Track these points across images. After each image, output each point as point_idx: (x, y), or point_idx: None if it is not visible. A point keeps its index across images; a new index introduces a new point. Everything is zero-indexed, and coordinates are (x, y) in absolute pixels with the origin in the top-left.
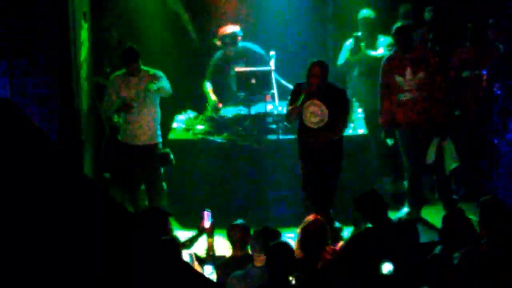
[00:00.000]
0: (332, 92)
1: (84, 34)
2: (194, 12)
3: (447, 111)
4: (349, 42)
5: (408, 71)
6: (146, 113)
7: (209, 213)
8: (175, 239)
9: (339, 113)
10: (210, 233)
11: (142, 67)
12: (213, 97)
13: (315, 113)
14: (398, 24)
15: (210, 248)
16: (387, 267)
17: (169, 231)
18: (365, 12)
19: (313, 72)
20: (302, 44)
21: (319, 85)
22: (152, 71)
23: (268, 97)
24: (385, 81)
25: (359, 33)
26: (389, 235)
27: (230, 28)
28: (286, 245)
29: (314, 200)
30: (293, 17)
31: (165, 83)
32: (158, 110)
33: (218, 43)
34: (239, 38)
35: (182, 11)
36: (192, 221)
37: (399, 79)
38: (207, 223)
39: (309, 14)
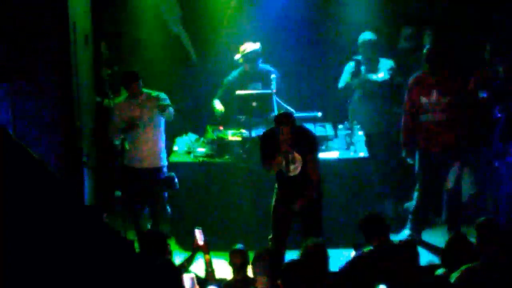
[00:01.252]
0: (300, 137)
1: (85, 57)
2: (194, 35)
3: (468, 135)
4: (350, 65)
5: (434, 93)
6: (150, 135)
7: (200, 230)
8: (172, 263)
9: (309, 160)
10: (206, 250)
11: (144, 89)
12: (219, 107)
13: (292, 161)
14: (428, 46)
15: (209, 265)
16: None
17: (168, 254)
18: (366, 35)
19: (284, 129)
20: (302, 65)
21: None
22: (154, 92)
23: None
24: (409, 100)
25: (359, 57)
26: (389, 257)
27: (253, 45)
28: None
29: (281, 241)
30: (294, 37)
31: (166, 101)
32: (163, 133)
33: (240, 59)
34: (259, 56)
35: (182, 33)
36: None
37: (424, 100)
38: (200, 241)
39: (310, 33)
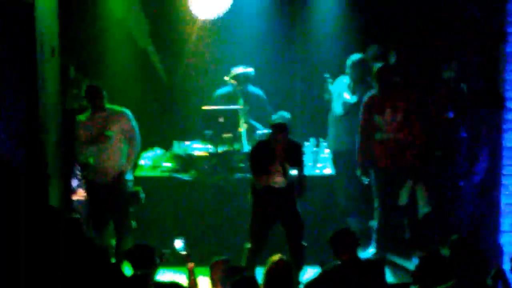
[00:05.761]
0: (292, 149)
1: (52, 69)
2: (163, 51)
3: (422, 154)
4: (336, 86)
5: (387, 112)
6: (114, 150)
7: (181, 240)
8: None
9: (302, 170)
10: (188, 258)
11: (108, 105)
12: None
13: (285, 174)
14: (378, 65)
15: (192, 273)
16: None
17: (155, 267)
18: (355, 56)
19: (280, 138)
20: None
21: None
22: (118, 109)
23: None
24: (365, 119)
25: (328, 75)
26: (356, 273)
27: (244, 69)
28: (252, 280)
29: (258, 249)
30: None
31: (130, 122)
32: (125, 147)
33: (232, 81)
34: (250, 80)
35: (151, 49)
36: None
37: (378, 118)
38: (182, 251)
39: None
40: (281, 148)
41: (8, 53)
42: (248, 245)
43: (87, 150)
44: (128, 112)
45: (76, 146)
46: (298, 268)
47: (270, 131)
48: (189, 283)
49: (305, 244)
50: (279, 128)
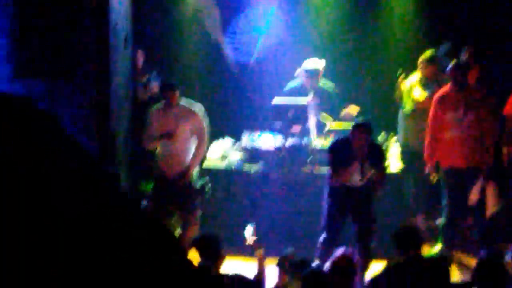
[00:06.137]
0: (372, 150)
1: (124, 58)
2: (234, 43)
3: (493, 153)
4: (407, 82)
5: (459, 110)
6: (183, 146)
7: (253, 226)
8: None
9: (381, 171)
10: (258, 245)
11: (182, 100)
12: None
13: (363, 173)
14: (452, 62)
15: (262, 260)
16: None
17: (223, 258)
18: (427, 53)
19: (362, 136)
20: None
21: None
22: (191, 106)
23: (297, 128)
24: (435, 117)
25: (400, 71)
26: (420, 271)
27: (315, 63)
28: (320, 273)
29: (332, 242)
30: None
31: (201, 120)
32: (193, 145)
33: (303, 74)
34: (321, 74)
35: (223, 41)
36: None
37: (449, 116)
38: (252, 237)
39: (356, 46)
40: (361, 148)
41: (82, 42)
42: (322, 238)
43: (155, 144)
44: (200, 111)
45: (145, 138)
46: (364, 268)
47: (350, 129)
48: (258, 271)
49: (373, 245)
50: (363, 128)
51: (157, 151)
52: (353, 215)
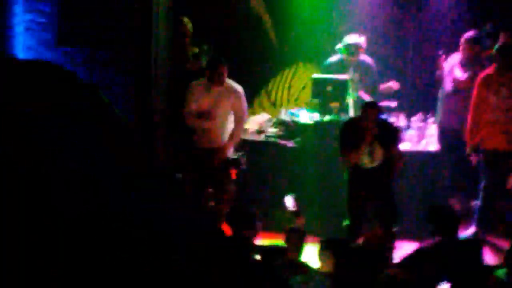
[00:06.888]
0: (385, 130)
1: (166, 30)
2: (276, 18)
3: None
4: (448, 63)
5: (504, 91)
6: (220, 121)
7: (293, 197)
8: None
9: (395, 152)
10: (299, 214)
11: (228, 79)
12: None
13: (371, 154)
14: (499, 43)
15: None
16: None
17: (256, 232)
18: (469, 34)
19: (370, 117)
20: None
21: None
22: (233, 84)
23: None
24: (478, 98)
25: (441, 51)
26: (453, 252)
27: (356, 38)
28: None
29: (355, 225)
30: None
31: (241, 102)
32: (231, 125)
33: (340, 48)
34: (362, 49)
35: (265, 15)
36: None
37: (493, 97)
38: (293, 207)
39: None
40: (370, 128)
41: (124, 10)
42: (347, 222)
43: (194, 121)
44: (242, 91)
45: (184, 114)
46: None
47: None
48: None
49: (396, 229)
50: (371, 108)
51: (195, 125)
52: (370, 199)
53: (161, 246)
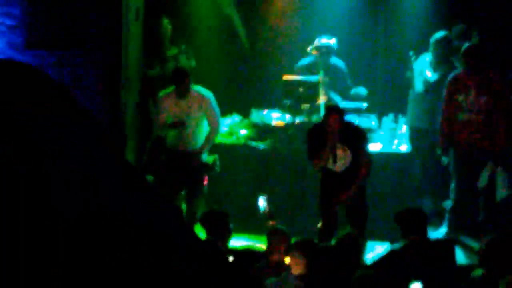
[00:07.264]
0: (351, 133)
1: (135, 31)
2: (246, 17)
3: (506, 138)
4: (418, 63)
5: (472, 92)
6: (193, 128)
7: (264, 198)
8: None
9: (361, 155)
10: (271, 216)
11: (193, 86)
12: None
13: (339, 157)
14: (468, 44)
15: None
16: (416, 287)
17: (230, 233)
18: (439, 34)
19: (332, 121)
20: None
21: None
22: (202, 93)
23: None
24: (448, 99)
25: (411, 52)
26: (425, 253)
27: (327, 40)
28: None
29: (328, 228)
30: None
31: (213, 108)
32: (205, 130)
33: (314, 52)
34: (332, 52)
35: (234, 15)
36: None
37: (461, 98)
38: (265, 209)
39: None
40: (333, 132)
41: (94, 13)
42: (319, 224)
43: (165, 130)
44: (212, 97)
45: (156, 126)
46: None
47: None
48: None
49: (366, 239)
50: (330, 111)
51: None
52: (342, 199)
53: (161, 246)
